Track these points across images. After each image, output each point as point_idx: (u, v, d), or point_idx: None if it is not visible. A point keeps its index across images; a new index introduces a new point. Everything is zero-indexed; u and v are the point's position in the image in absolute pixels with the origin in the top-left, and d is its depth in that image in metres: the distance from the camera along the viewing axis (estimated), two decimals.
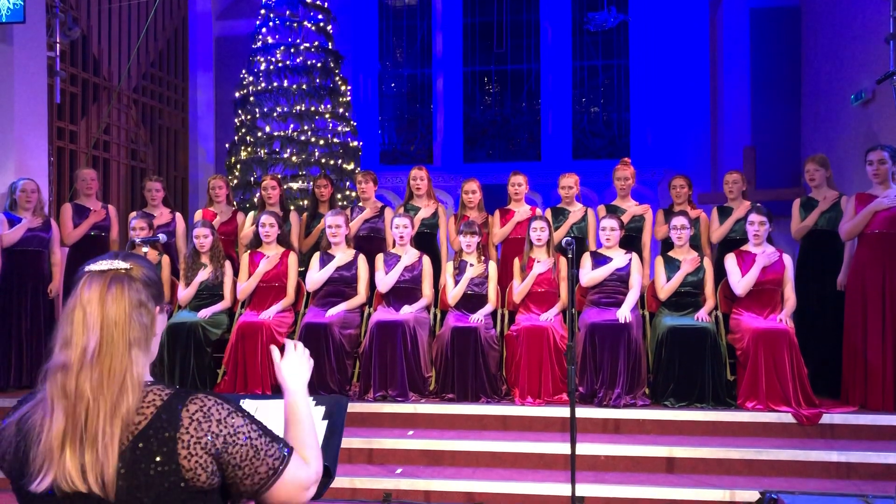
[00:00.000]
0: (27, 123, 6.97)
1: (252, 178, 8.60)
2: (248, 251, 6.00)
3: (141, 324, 1.44)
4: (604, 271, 5.57)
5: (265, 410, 2.10)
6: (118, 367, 1.38)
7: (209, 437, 1.39)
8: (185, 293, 5.84)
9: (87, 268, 1.46)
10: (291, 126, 8.72)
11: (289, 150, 8.63)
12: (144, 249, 4.70)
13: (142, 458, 1.36)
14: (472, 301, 5.69)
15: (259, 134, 8.78)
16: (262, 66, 8.91)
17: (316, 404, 2.24)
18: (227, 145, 9.38)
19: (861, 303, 5.14)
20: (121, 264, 1.46)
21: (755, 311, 5.32)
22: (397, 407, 5.23)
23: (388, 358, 5.36)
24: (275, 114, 8.76)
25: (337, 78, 9.18)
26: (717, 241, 6.13)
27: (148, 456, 1.36)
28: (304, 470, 1.52)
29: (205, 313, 5.70)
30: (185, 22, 10.54)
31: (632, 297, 5.47)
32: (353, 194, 8.61)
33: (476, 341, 5.36)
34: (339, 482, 4.44)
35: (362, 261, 5.84)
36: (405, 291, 5.74)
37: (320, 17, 9.20)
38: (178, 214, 6.64)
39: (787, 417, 4.88)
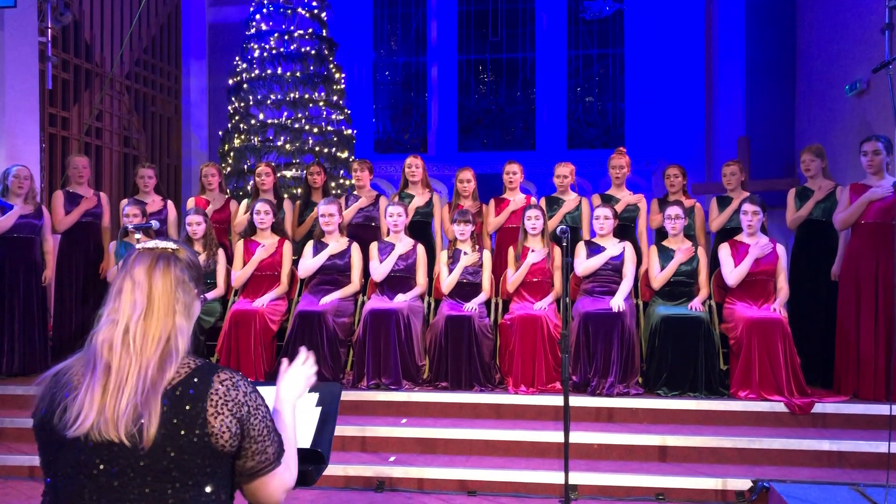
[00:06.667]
0: (18, 109, 6.91)
1: (245, 166, 8.57)
2: (242, 239, 5.98)
3: (184, 298, 1.57)
4: (598, 260, 5.57)
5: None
6: (162, 331, 1.51)
7: (236, 404, 1.51)
8: None
9: (138, 246, 1.61)
10: (285, 114, 8.68)
11: (282, 138, 8.59)
12: (137, 236, 4.68)
13: (172, 411, 1.46)
14: (466, 290, 5.68)
15: (252, 122, 8.74)
16: (256, 54, 8.86)
17: (309, 391, 2.24)
18: (220, 133, 9.34)
19: (854, 293, 5.15)
20: (169, 244, 1.60)
21: (749, 301, 5.33)
22: (391, 395, 5.23)
23: (382, 346, 5.35)
24: (268, 101, 8.72)
25: (331, 66, 9.13)
26: (716, 230, 6.15)
27: (178, 409, 1.46)
28: (289, 473, 1.65)
29: None
30: (178, 8, 10.47)
31: (625, 287, 5.47)
32: (347, 183, 8.59)
33: (470, 330, 5.35)
34: (333, 469, 4.44)
35: (356, 249, 5.83)
36: (399, 280, 5.73)
37: (314, 3, 9.15)
38: (169, 202, 6.60)
39: (779, 406, 4.90)
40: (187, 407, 1.46)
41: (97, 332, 1.52)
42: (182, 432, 1.45)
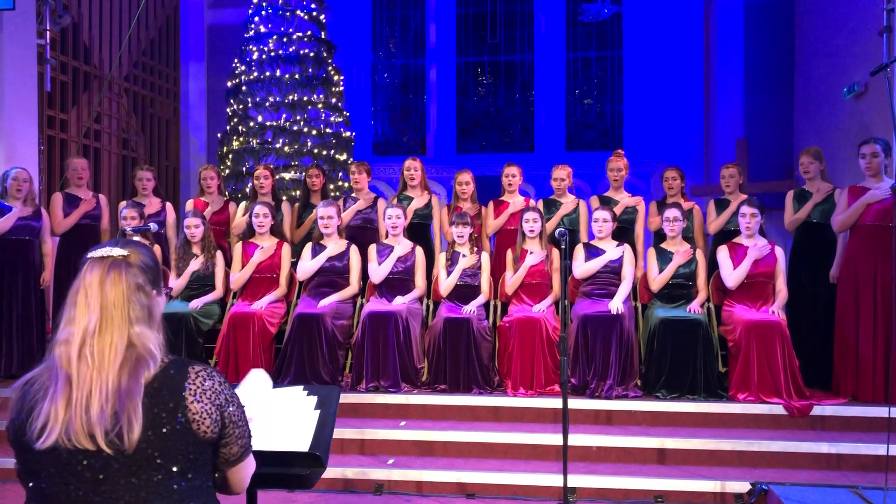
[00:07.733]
0: (17, 112, 6.91)
1: (244, 169, 8.57)
2: (241, 241, 5.98)
3: (140, 304, 1.55)
4: (597, 263, 5.57)
5: (256, 399, 2.10)
6: (118, 343, 1.50)
7: (214, 392, 1.55)
8: (176, 283, 5.81)
9: (89, 255, 1.58)
10: (284, 116, 8.68)
11: (281, 141, 8.59)
12: (135, 238, 4.67)
13: (152, 402, 1.49)
14: (464, 292, 5.68)
15: (251, 124, 8.73)
16: (255, 56, 8.85)
17: (308, 394, 2.25)
18: (218, 135, 9.33)
19: (853, 295, 5.15)
20: (119, 251, 1.57)
21: (747, 303, 5.33)
22: (389, 398, 5.23)
23: (381, 349, 5.35)
24: (267, 103, 8.72)
25: (330, 68, 9.13)
26: (714, 232, 6.15)
27: (157, 400, 1.49)
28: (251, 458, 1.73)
29: (196, 303, 5.67)
30: (177, 10, 10.46)
31: (624, 289, 5.47)
32: (346, 185, 8.58)
33: (468, 332, 5.35)
34: (331, 473, 4.44)
35: (354, 251, 5.82)
36: (398, 282, 5.73)
37: (313, 6, 9.15)
38: (168, 204, 6.61)
39: (778, 409, 4.90)
40: (166, 397, 1.50)
41: (56, 340, 1.53)
42: (164, 421, 1.48)
